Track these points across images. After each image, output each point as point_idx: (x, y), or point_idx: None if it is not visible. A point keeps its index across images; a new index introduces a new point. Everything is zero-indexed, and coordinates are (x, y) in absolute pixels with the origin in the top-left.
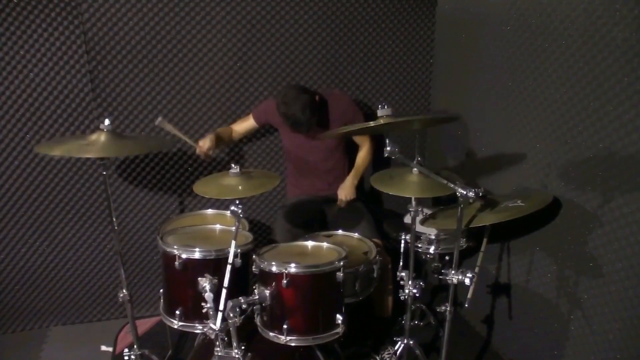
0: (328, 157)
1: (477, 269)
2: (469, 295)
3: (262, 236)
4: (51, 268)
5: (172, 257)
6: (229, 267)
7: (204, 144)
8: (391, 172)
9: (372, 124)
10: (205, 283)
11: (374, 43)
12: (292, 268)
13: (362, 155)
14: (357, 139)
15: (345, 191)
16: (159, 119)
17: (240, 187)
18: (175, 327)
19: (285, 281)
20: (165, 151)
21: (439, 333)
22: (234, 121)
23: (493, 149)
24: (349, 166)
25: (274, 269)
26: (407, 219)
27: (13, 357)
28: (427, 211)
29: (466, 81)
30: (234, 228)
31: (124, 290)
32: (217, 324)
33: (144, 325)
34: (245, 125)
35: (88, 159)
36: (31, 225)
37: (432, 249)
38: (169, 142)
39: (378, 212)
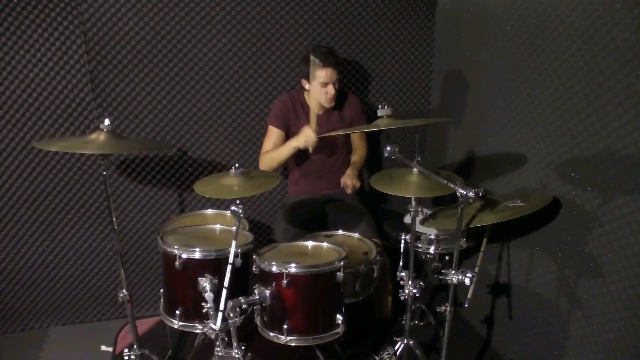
0: (333, 155)
1: (477, 269)
2: (469, 295)
3: (262, 236)
4: (51, 268)
5: (172, 257)
6: (229, 267)
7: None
8: (391, 172)
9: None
10: (205, 283)
11: (374, 43)
12: (292, 268)
13: (358, 159)
14: (356, 142)
15: (349, 179)
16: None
17: (235, 188)
18: (175, 327)
19: (285, 281)
20: (165, 151)
21: (439, 333)
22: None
23: (493, 149)
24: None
25: (274, 269)
26: (407, 219)
27: (13, 357)
28: (427, 211)
29: (466, 81)
30: (234, 228)
31: (124, 290)
32: (217, 324)
33: (144, 325)
34: (272, 141)
35: (88, 158)
36: (31, 225)
37: (432, 249)
38: (169, 143)
39: (378, 212)
